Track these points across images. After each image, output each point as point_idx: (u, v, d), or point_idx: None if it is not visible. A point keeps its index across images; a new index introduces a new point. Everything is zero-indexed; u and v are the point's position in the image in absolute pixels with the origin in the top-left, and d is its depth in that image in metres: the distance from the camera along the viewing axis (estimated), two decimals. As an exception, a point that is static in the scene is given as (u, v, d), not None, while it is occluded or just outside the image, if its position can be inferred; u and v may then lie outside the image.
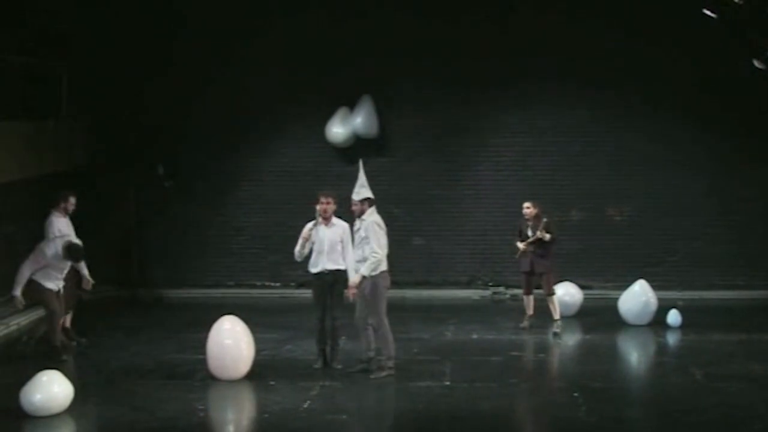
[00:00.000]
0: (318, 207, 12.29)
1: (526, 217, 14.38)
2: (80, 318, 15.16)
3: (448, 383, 11.98)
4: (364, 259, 12.02)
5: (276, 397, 11.40)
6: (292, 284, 17.11)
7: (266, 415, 10.97)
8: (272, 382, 11.94)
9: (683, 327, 14.61)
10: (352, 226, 12.31)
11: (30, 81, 15.52)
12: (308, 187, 16.75)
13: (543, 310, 14.48)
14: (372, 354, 12.23)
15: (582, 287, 15.76)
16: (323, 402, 11.25)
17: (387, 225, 12.31)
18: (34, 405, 10.62)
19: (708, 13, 15.21)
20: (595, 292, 16.26)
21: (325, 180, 16.74)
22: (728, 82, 16.48)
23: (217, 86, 17.02)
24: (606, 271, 16.86)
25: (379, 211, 12.30)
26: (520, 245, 14.34)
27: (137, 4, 16.64)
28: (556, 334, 14.21)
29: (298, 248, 12.39)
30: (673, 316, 14.68)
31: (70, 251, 12.76)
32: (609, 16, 16.48)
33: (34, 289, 12.77)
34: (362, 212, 12.13)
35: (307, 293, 16.61)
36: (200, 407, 11.14)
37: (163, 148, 17.14)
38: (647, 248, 16.93)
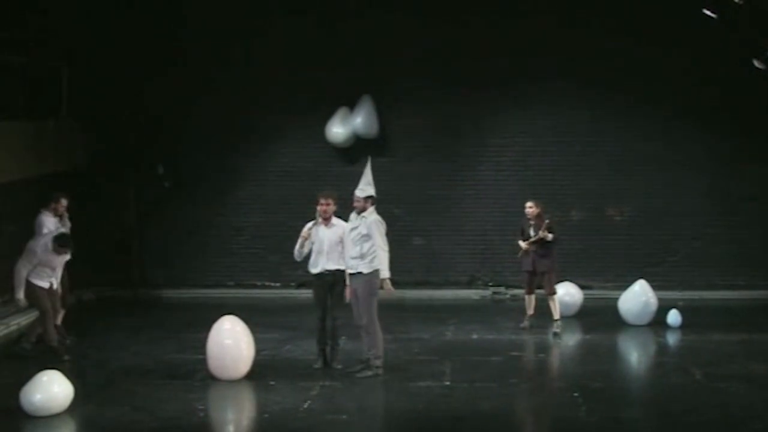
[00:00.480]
0: (318, 208, 12.29)
1: (529, 216, 14.38)
2: (80, 318, 15.21)
3: (448, 383, 11.98)
4: (360, 256, 12.00)
5: (276, 397, 11.40)
6: (292, 284, 17.12)
7: (266, 415, 10.97)
8: (272, 382, 11.93)
9: (683, 327, 14.61)
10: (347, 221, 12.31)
11: (30, 81, 15.53)
12: (308, 188, 16.76)
13: (543, 310, 14.47)
14: (376, 353, 12.22)
15: (582, 287, 15.76)
16: (323, 402, 11.25)
17: (387, 225, 12.32)
18: (34, 405, 10.62)
19: (708, 13, 15.21)
20: (595, 292, 16.27)
21: (325, 180, 16.74)
22: (728, 82, 16.48)
23: (217, 86, 17.02)
24: (606, 271, 16.87)
25: (379, 211, 12.30)
26: (523, 244, 14.35)
27: (137, 4, 16.64)
28: (556, 334, 14.21)
29: (297, 248, 12.40)
30: (673, 316, 14.69)
31: (58, 240, 12.78)
32: (609, 16, 16.48)
33: (25, 288, 12.80)
34: (363, 209, 12.13)
35: (307, 293, 16.61)
36: (200, 407, 11.14)
37: (163, 148, 17.14)
38: (647, 248, 16.93)
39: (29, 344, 13.21)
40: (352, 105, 16.70)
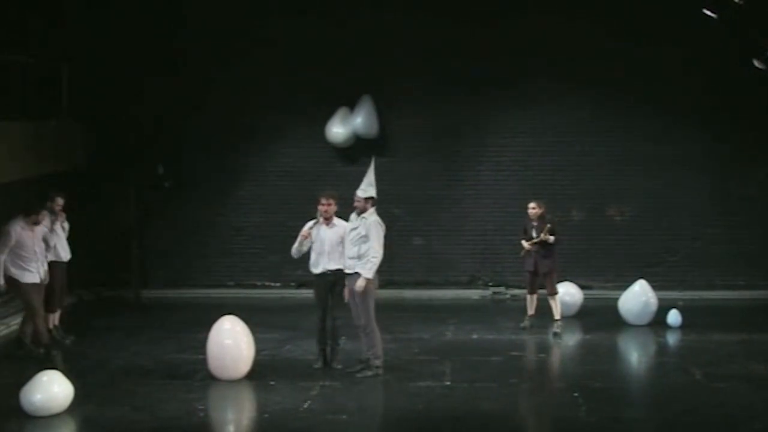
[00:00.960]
0: (319, 208, 12.29)
1: (531, 217, 14.38)
2: (80, 318, 15.22)
3: (448, 383, 11.98)
4: (358, 257, 12.00)
5: (276, 397, 11.40)
6: (292, 284, 17.12)
7: (266, 415, 10.97)
8: (272, 382, 11.94)
9: (683, 327, 14.61)
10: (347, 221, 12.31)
11: (30, 81, 15.53)
12: (308, 188, 16.77)
13: (544, 311, 14.47)
14: (374, 355, 12.21)
15: (582, 287, 15.76)
16: (323, 402, 11.25)
17: (387, 225, 12.32)
18: (34, 405, 10.63)
19: (708, 13, 15.20)
20: (595, 292, 16.26)
21: (326, 180, 16.74)
22: (728, 82, 16.48)
23: (217, 86, 17.02)
24: (606, 271, 16.87)
25: (379, 211, 12.30)
26: (526, 245, 14.35)
27: (137, 4, 16.64)
28: (556, 334, 14.20)
29: (296, 245, 12.40)
30: (673, 316, 14.69)
31: (25, 210, 12.79)
32: (609, 16, 16.48)
33: (12, 285, 12.82)
34: (364, 210, 12.13)
35: (307, 293, 16.61)
36: (200, 407, 11.14)
37: (163, 148, 17.13)
38: (647, 248, 16.93)
39: (32, 345, 13.25)
40: (352, 105, 16.69)
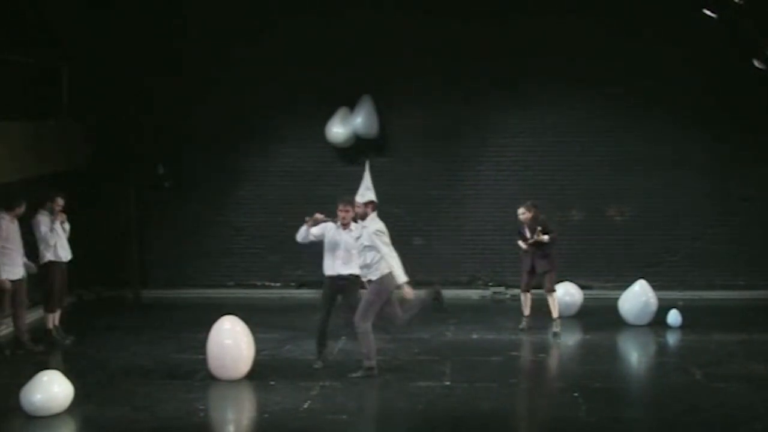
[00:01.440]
0: (338, 213, 12.23)
1: (522, 221, 14.40)
2: (80, 318, 15.22)
3: (448, 383, 11.98)
4: (366, 266, 11.99)
5: (276, 397, 11.40)
6: (292, 284, 17.13)
7: (266, 415, 10.97)
8: (272, 382, 11.94)
9: (683, 327, 14.61)
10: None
11: (30, 81, 15.52)
12: (308, 188, 16.82)
13: (540, 311, 14.51)
14: (369, 363, 12.14)
15: (582, 287, 15.77)
16: (323, 402, 11.25)
17: (387, 225, 12.30)
18: (34, 405, 10.62)
19: (708, 13, 15.20)
20: (595, 292, 16.27)
21: (326, 180, 16.80)
22: (728, 82, 16.48)
23: (218, 86, 17.02)
24: (606, 271, 16.87)
25: (380, 211, 12.28)
26: (522, 245, 14.37)
27: (137, 4, 16.64)
28: (555, 334, 14.20)
29: (304, 228, 12.27)
30: (674, 316, 14.69)
31: (7, 202, 12.99)
32: (609, 16, 16.48)
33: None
34: (365, 215, 12.10)
35: (306, 293, 16.72)
36: (200, 407, 11.14)
37: (164, 148, 17.14)
38: (647, 248, 16.93)
39: (33, 343, 13.31)
40: (352, 105, 16.69)
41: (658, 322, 14.75)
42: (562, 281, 15.33)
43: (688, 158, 16.83)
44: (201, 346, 12.34)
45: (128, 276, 17.10)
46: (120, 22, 16.59)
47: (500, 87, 16.83)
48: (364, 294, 12.14)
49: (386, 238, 12.01)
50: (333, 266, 12.27)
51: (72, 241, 13.92)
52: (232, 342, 12.04)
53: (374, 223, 12.04)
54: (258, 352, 12.32)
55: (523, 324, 14.57)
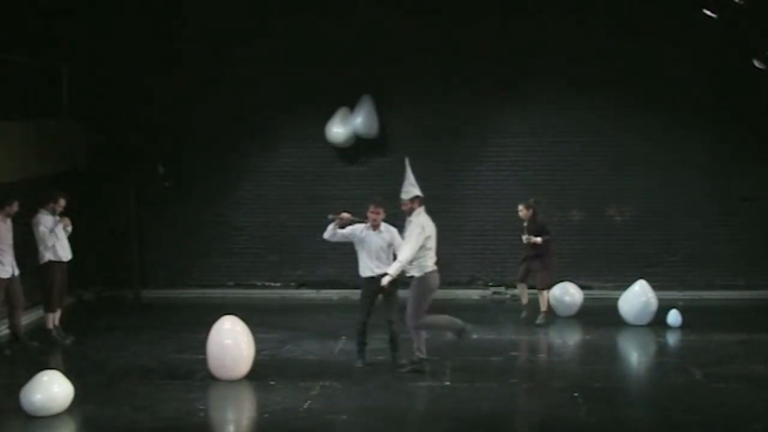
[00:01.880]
0: (368, 215, 12.34)
1: (522, 218, 14.68)
2: (80, 318, 15.22)
3: (448, 383, 11.99)
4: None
5: (276, 397, 11.41)
6: (292, 284, 17.13)
7: (266, 415, 10.98)
8: (272, 382, 11.95)
9: (683, 327, 14.61)
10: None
11: (30, 81, 15.52)
12: (308, 188, 16.83)
13: (538, 309, 14.60)
14: (421, 355, 12.26)
15: (582, 287, 15.78)
16: (323, 402, 11.25)
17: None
18: (34, 405, 10.63)
19: (708, 13, 15.20)
20: (595, 292, 16.28)
21: (325, 180, 16.80)
22: (728, 82, 16.48)
23: (218, 86, 17.02)
24: (606, 271, 16.87)
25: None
26: (524, 239, 14.70)
27: (137, 4, 16.64)
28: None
29: (331, 226, 12.39)
30: (674, 316, 14.69)
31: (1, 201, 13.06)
32: (609, 16, 16.48)
33: None
34: (411, 211, 12.17)
35: (306, 293, 16.76)
36: (200, 407, 11.15)
37: (164, 148, 17.14)
38: (647, 248, 16.93)
39: (32, 341, 13.34)
40: (352, 105, 16.69)
41: (658, 322, 14.75)
42: (562, 281, 15.37)
43: (688, 158, 16.83)
44: (201, 346, 12.34)
45: (128, 276, 17.10)
46: (120, 22, 16.60)
47: (500, 87, 16.83)
48: (409, 295, 12.18)
49: (422, 235, 12.07)
50: (367, 267, 12.39)
51: (72, 241, 13.93)
52: (232, 342, 12.04)
53: (418, 218, 12.14)
54: (258, 352, 12.32)
55: (524, 313, 14.87)
